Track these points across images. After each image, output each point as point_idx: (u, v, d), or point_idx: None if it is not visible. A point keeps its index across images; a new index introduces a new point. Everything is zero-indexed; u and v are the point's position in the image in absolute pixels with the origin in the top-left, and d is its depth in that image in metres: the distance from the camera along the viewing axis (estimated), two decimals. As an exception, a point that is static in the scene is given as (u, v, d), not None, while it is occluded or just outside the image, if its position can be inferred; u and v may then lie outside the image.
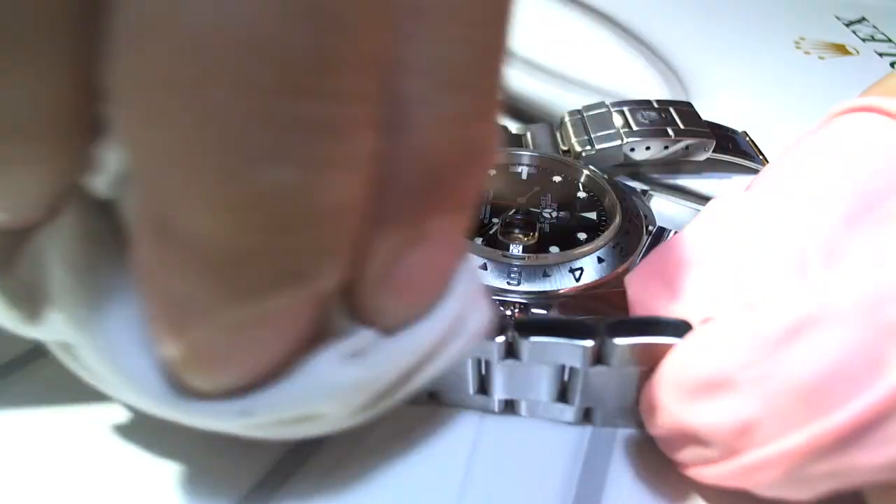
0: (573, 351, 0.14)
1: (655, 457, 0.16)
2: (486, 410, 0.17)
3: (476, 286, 0.13)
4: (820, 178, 0.15)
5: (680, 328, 0.14)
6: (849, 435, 0.12)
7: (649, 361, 0.14)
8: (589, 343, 0.14)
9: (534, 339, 0.14)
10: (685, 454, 0.14)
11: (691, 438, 0.14)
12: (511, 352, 0.15)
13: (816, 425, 0.12)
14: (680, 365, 0.14)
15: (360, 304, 0.11)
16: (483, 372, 0.16)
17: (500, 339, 0.15)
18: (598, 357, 0.15)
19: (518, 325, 0.15)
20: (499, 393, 0.16)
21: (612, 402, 0.16)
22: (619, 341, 0.14)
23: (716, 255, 0.15)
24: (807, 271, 0.14)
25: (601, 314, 0.19)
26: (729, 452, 0.13)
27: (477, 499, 0.15)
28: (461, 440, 0.17)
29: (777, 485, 0.13)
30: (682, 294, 0.16)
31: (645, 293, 0.16)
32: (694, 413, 0.13)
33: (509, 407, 0.17)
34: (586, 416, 0.17)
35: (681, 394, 0.14)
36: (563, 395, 0.16)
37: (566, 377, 0.16)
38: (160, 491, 0.15)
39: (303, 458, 0.16)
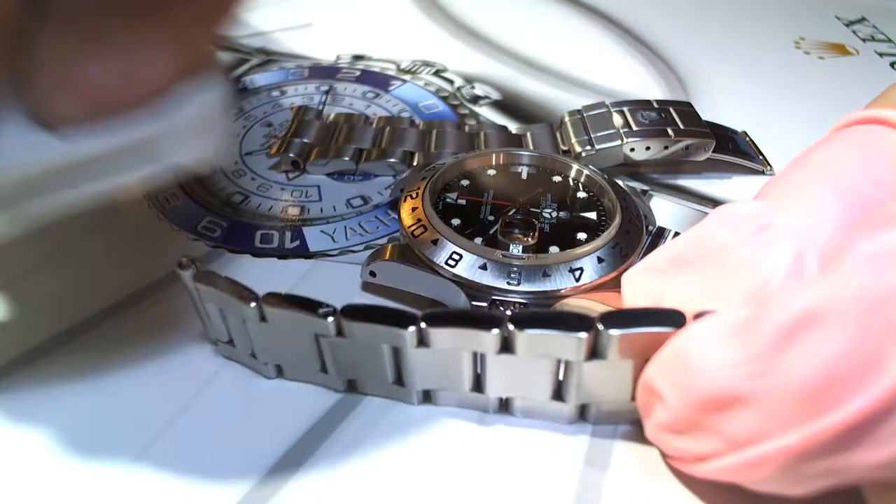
0: (568, 343, 0.15)
1: (655, 455, 0.16)
2: (482, 411, 0.17)
3: (205, 126, 0.12)
4: (823, 187, 0.15)
5: (674, 318, 0.14)
6: (847, 434, 0.12)
7: (644, 353, 0.15)
8: (584, 334, 0.14)
9: (529, 331, 0.15)
10: (682, 450, 0.14)
11: (688, 435, 0.14)
12: (507, 345, 0.15)
13: (815, 424, 0.12)
14: (677, 361, 0.14)
15: (29, 97, 0.11)
16: (479, 369, 0.16)
17: (496, 332, 0.15)
18: (594, 350, 0.15)
19: (513, 318, 0.15)
20: (494, 391, 0.16)
21: (608, 398, 0.16)
22: (614, 332, 0.14)
23: (715, 258, 0.15)
24: (803, 273, 0.14)
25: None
26: (727, 448, 0.13)
27: (477, 499, 0.15)
28: (461, 440, 0.17)
29: (774, 481, 0.13)
30: (678, 293, 0.16)
31: (640, 293, 0.16)
32: (692, 409, 0.13)
33: (504, 408, 0.17)
34: (582, 415, 0.17)
35: (678, 391, 0.14)
36: (558, 393, 0.16)
37: (561, 375, 0.16)
38: (160, 491, 0.15)
39: (302, 458, 0.16)
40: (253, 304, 0.16)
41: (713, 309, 0.14)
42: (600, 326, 0.14)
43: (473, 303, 0.18)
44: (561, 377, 0.16)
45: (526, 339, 0.15)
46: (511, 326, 0.15)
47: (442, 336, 0.15)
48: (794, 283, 0.14)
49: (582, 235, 0.19)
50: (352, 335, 0.16)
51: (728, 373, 0.13)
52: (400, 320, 0.15)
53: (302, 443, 0.16)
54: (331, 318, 0.15)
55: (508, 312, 0.18)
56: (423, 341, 0.15)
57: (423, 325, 0.15)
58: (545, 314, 0.15)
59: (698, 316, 0.14)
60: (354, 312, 0.15)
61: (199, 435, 0.16)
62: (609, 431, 0.17)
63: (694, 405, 0.13)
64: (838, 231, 0.15)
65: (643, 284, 0.17)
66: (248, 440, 0.16)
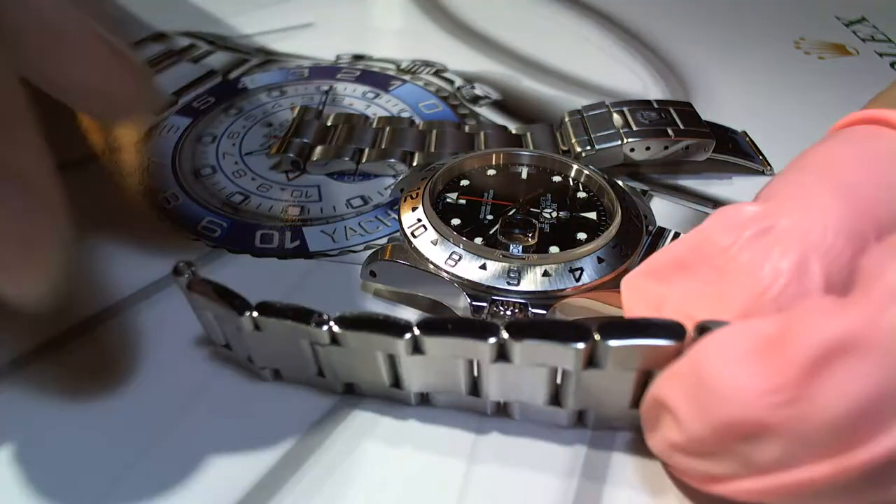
0: (565, 353, 0.14)
1: (655, 463, 0.16)
2: (480, 413, 0.17)
3: None
4: (824, 189, 0.15)
5: (674, 331, 0.14)
6: (878, 469, 0.11)
7: (643, 364, 0.14)
8: (581, 345, 0.14)
9: (526, 341, 0.14)
10: (695, 471, 0.14)
11: (705, 457, 0.14)
12: (502, 354, 0.15)
13: (845, 457, 0.12)
14: (696, 381, 0.13)
15: None
16: (475, 374, 0.16)
17: (492, 340, 0.15)
18: (592, 359, 0.15)
19: (510, 326, 0.15)
20: (491, 395, 0.16)
21: (606, 405, 0.16)
22: (613, 343, 0.14)
23: (715, 263, 0.15)
24: (805, 279, 0.14)
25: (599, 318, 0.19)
26: (747, 473, 0.13)
27: (477, 499, 0.15)
28: (461, 441, 0.17)
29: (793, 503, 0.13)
30: (679, 299, 0.15)
31: (639, 297, 0.16)
32: (714, 435, 0.13)
33: (502, 410, 0.17)
34: (580, 420, 0.17)
35: (698, 414, 0.13)
36: (555, 398, 0.16)
37: (559, 380, 0.16)
38: (159, 492, 0.15)
39: (300, 460, 0.16)
40: (246, 314, 0.16)
41: (716, 317, 0.14)
42: (598, 337, 0.14)
43: (473, 303, 0.18)
44: (559, 381, 0.16)
45: (522, 348, 0.15)
46: (506, 335, 0.14)
47: (437, 344, 0.15)
48: (820, 305, 0.13)
49: (582, 235, 0.19)
50: (346, 344, 0.15)
51: (757, 401, 0.12)
52: (394, 329, 0.15)
53: (300, 444, 0.16)
54: (324, 328, 0.15)
55: (508, 313, 0.18)
56: (417, 349, 0.15)
57: (417, 332, 0.15)
58: (541, 323, 0.15)
59: (703, 328, 0.14)
60: (348, 321, 0.15)
61: (197, 436, 0.16)
62: (608, 437, 0.17)
63: (717, 431, 0.13)
64: (840, 235, 0.14)
65: (643, 289, 0.16)
66: (247, 441, 0.16)
